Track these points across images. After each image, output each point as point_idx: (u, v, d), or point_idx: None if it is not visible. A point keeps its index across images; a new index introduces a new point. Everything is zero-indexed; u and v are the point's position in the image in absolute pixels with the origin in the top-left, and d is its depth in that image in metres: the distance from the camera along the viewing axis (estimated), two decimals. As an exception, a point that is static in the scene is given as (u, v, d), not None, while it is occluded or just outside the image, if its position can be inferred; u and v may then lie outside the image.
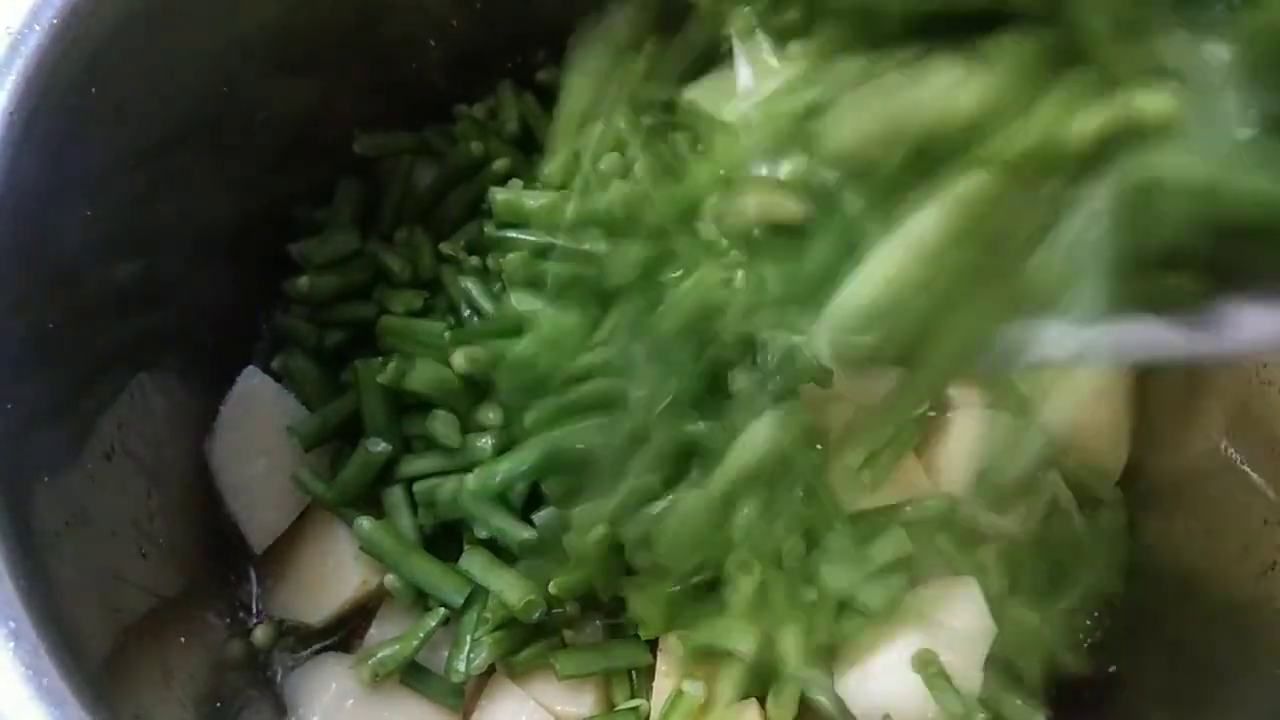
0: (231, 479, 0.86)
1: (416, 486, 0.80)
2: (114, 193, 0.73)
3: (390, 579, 0.79)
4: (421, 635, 0.77)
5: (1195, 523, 0.82)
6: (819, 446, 0.75)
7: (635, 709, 0.78)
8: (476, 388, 0.80)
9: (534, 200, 0.83)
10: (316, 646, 0.85)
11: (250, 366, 0.88)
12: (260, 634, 0.83)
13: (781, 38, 0.52)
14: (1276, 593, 0.72)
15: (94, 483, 0.71)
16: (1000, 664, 0.81)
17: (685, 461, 0.72)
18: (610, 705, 0.79)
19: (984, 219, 0.43)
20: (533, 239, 0.82)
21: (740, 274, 0.64)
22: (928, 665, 0.75)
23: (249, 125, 0.85)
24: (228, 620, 0.84)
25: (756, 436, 0.70)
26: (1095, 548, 0.87)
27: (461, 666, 0.76)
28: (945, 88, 0.43)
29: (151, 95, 0.75)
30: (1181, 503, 0.85)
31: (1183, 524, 0.83)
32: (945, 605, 0.81)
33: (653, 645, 0.79)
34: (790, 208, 0.49)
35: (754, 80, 0.54)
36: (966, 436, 0.86)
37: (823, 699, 0.76)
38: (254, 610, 0.86)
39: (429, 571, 0.78)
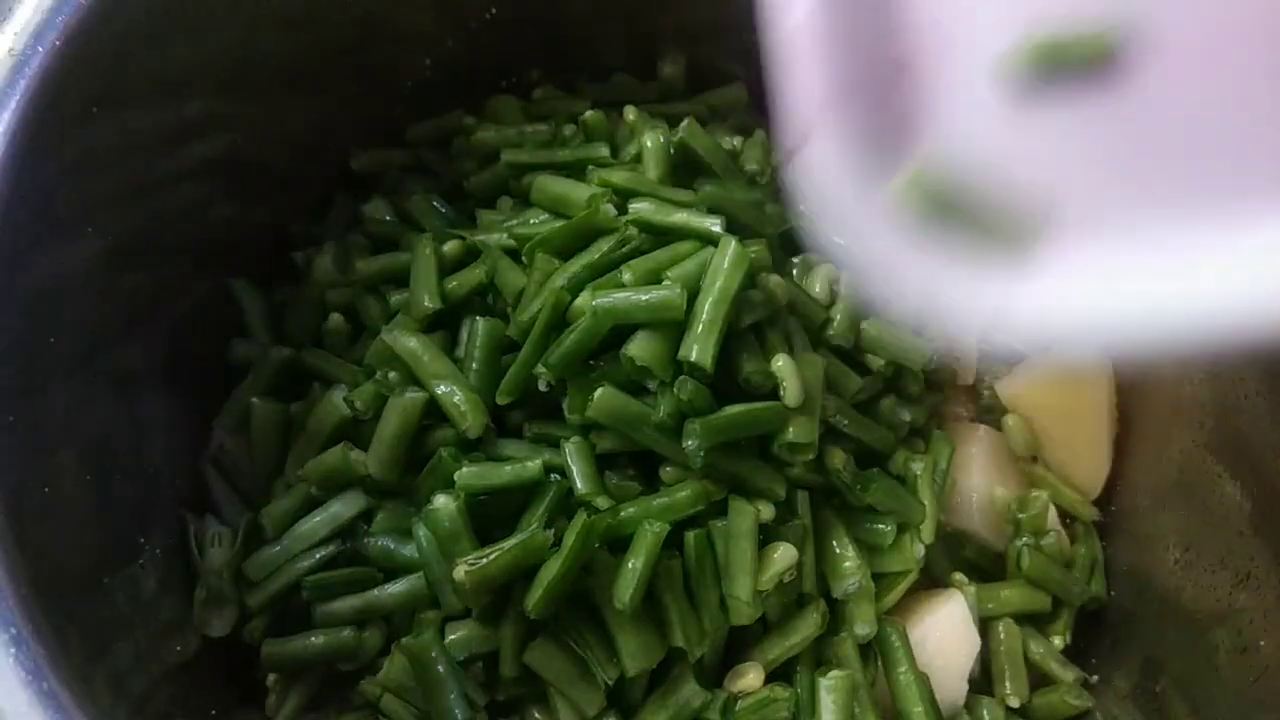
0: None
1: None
2: (115, 210, 0.75)
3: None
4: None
5: (1175, 535, 0.83)
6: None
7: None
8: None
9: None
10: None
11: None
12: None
13: None
14: (1249, 604, 0.74)
15: (94, 494, 0.72)
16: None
17: None
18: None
19: None
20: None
21: None
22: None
23: (248, 144, 0.87)
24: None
25: None
26: (1081, 563, 0.88)
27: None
28: None
29: (153, 115, 0.76)
30: (1161, 515, 0.86)
31: (1162, 535, 0.85)
32: (931, 617, 0.82)
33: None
34: None
35: None
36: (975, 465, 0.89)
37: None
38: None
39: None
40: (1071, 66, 0.45)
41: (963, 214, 0.47)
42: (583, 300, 0.73)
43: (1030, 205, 0.46)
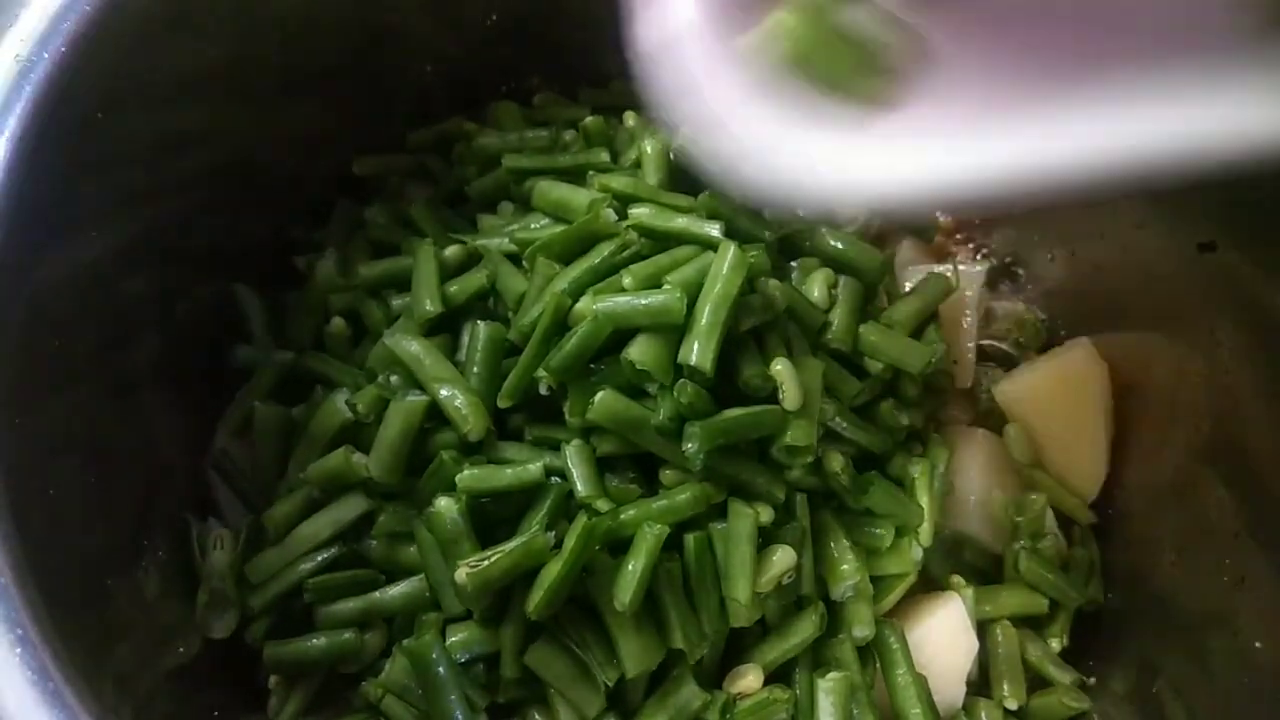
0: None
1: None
2: (118, 215, 0.75)
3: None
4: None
5: (1171, 537, 0.84)
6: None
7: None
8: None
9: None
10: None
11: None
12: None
13: None
14: (1245, 606, 0.74)
15: (97, 497, 0.72)
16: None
17: None
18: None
19: None
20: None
21: None
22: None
23: (251, 149, 0.87)
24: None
25: None
26: (1078, 566, 0.89)
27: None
28: None
29: (156, 120, 0.77)
30: (1158, 518, 0.86)
31: (1158, 539, 0.85)
32: (929, 620, 0.83)
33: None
34: None
35: None
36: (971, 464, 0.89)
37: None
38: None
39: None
40: None
41: (819, 67, 0.47)
42: (583, 304, 0.74)
43: (899, 55, 0.47)
